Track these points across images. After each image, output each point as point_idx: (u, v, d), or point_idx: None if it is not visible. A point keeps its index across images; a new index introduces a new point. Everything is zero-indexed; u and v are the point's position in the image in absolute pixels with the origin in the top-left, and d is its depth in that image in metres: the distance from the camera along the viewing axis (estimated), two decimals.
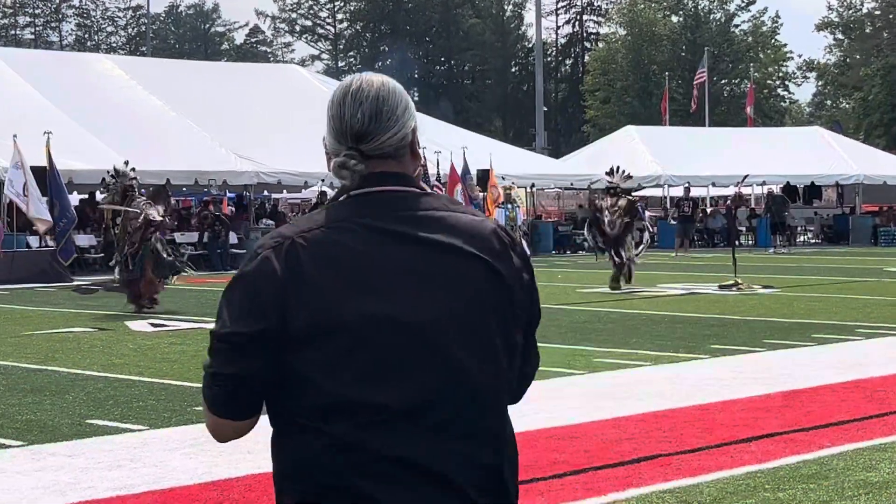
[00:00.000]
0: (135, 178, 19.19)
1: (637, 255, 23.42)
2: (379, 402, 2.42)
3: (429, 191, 2.62)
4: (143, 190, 19.71)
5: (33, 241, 27.45)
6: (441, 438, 2.44)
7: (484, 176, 33.92)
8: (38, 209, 24.89)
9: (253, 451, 7.84)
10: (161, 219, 18.34)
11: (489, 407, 2.50)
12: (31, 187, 24.84)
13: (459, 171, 33.30)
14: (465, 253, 2.51)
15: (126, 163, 19.89)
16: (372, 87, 2.58)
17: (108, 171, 20.18)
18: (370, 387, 2.42)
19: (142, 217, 18.02)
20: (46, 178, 25.57)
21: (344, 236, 2.49)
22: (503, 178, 34.74)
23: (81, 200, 33.13)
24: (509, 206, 32.43)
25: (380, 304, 2.45)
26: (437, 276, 2.49)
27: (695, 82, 62.59)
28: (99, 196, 25.06)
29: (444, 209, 2.56)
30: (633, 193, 23.89)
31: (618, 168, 24.07)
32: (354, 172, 2.54)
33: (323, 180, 33.19)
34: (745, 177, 30.42)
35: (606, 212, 23.04)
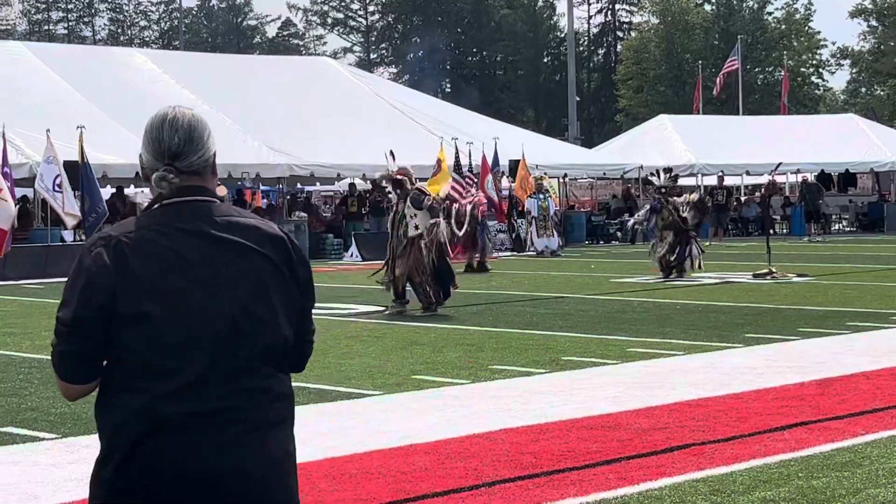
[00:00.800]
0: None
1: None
2: (187, 368, 3.05)
3: (224, 201, 3.27)
4: None
5: (67, 236, 27.60)
6: (235, 396, 3.09)
7: (515, 167, 33.85)
8: (71, 204, 24.99)
9: None
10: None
11: (268, 369, 3.15)
12: (65, 182, 24.93)
13: (491, 161, 33.24)
14: (253, 250, 3.17)
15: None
16: (185, 117, 3.30)
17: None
18: (179, 356, 3.05)
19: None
20: (79, 172, 25.69)
21: (160, 237, 3.13)
22: (536, 168, 34.70)
23: (112, 194, 33.30)
24: (541, 195, 32.40)
25: (188, 291, 3.08)
26: (232, 268, 3.14)
27: (724, 70, 62.23)
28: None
29: (239, 216, 3.24)
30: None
31: (667, 169, 24.04)
32: (171, 184, 3.18)
33: (364, 175, 33.22)
34: (779, 165, 30.29)
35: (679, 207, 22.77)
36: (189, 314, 3.07)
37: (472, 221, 24.53)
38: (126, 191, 33.80)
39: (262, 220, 3.30)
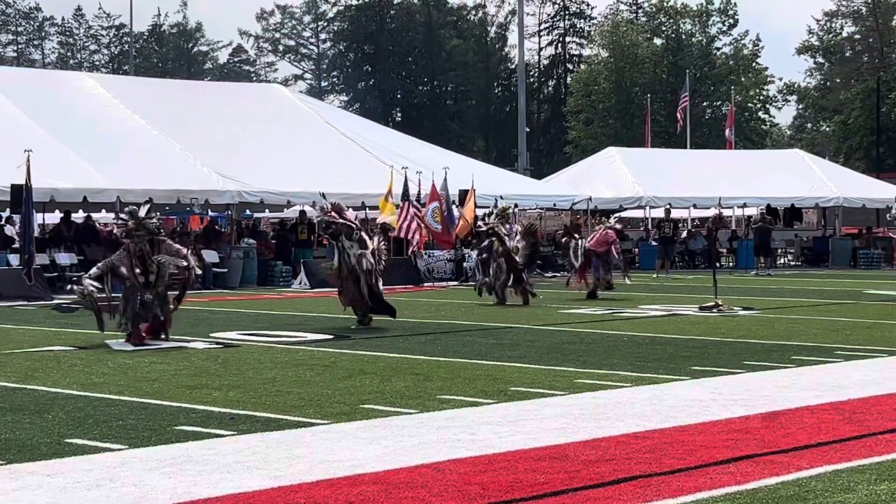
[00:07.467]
0: (155, 216, 17.31)
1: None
2: None
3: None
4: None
5: (13, 259, 27.37)
6: None
7: (465, 197, 33.91)
8: None
9: (233, 471, 7.83)
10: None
11: None
12: None
13: (441, 190, 33.38)
14: None
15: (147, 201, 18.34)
16: None
17: (124, 214, 17.60)
18: None
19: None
20: (22, 196, 25.76)
21: None
22: (501, 198, 34.83)
23: (61, 219, 33.04)
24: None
25: None
26: None
27: (679, 107, 62.83)
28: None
29: None
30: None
31: (494, 212, 27.61)
32: None
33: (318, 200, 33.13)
34: (719, 201, 30.81)
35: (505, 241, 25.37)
36: None
37: (587, 253, 27.08)
38: (73, 216, 33.55)
39: None
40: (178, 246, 17.32)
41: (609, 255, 27.37)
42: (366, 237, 19.44)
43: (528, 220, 28.36)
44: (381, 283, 19.68)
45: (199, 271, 17.61)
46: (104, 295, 16.53)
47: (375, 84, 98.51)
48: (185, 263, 16.74)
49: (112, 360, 14.46)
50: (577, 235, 28.26)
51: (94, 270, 16.71)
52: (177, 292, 17.03)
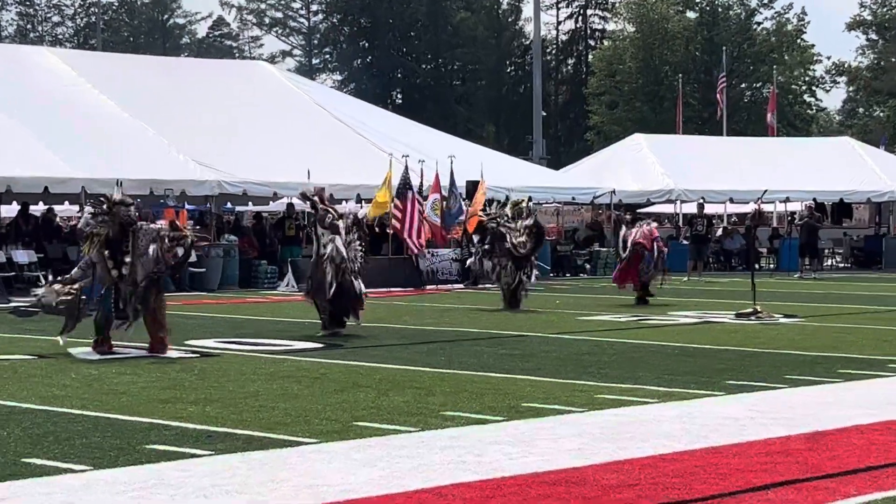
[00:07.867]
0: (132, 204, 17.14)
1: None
2: None
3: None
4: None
5: None
6: None
7: (473, 188, 33.85)
8: None
9: (210, 495, 7.85)
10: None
11: None
12: None
13: (445, 181, 33.32)
14: None
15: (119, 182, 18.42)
16: None
17: (95, 199, 17.60)
18: None
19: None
20: None
21: None
22: (511, 191, 34.78)
23: (18, 212, 33.08)
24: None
25: None
26: None
27: (718, 89, 62.85)
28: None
29: None
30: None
31: (491, 201, 28.65)
32: None
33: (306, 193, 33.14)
34: (764, 192, 30.61)
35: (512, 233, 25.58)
36: None
37: (637, 246, 26.77)
38: (32, 208, 33.61)
39: None
40: (155, 226, 17.24)
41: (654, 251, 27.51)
42: (339, 224, 19.33)
43: (530, 208, 28.47)
44: (359, 286, 19.34)
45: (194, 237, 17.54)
46: (82, 298, 16.59)
47: (373, 62, 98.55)
48: (181, 234, 16.79)
49: (75, 370, 14.48)
50: (628, 224, 28.37)
51: (76, 271, 16.78)
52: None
